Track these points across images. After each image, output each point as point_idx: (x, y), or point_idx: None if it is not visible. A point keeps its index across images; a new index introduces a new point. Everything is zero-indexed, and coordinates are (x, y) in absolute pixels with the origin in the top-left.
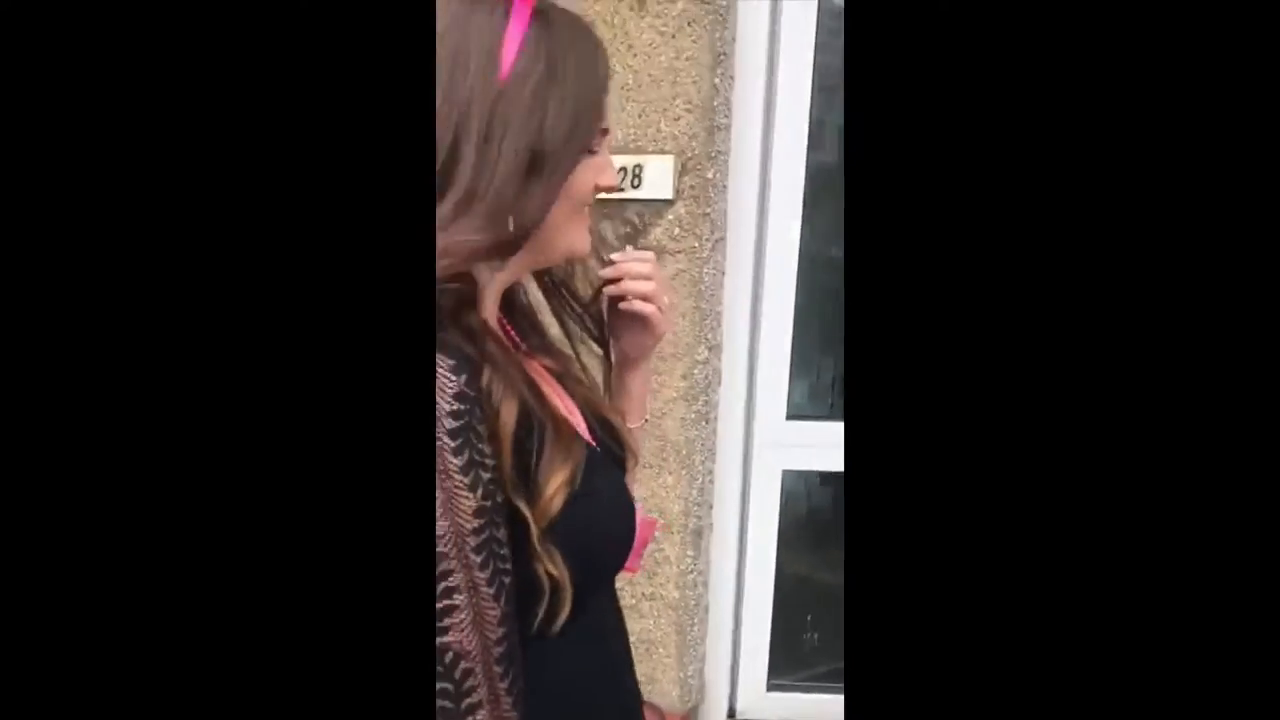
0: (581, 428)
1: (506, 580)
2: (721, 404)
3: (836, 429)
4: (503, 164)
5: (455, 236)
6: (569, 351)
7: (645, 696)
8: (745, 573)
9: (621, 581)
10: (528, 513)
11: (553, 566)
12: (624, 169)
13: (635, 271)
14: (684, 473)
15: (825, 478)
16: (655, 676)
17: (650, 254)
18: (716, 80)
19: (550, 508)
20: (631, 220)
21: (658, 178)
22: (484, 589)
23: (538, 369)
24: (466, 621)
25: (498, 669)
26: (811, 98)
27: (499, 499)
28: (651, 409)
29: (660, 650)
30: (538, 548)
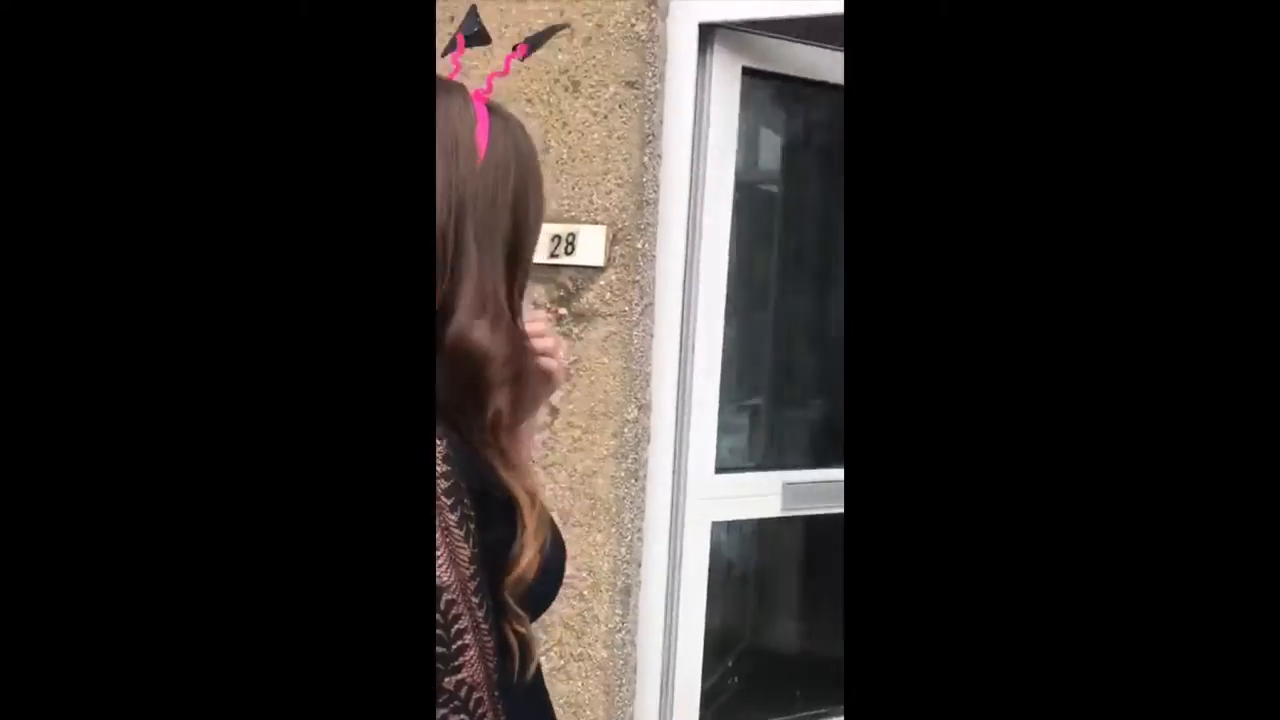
0: None
1: (491, 640)
2: (651, 461)
3: (761, 479)
4: (496, 264)
5: (480, 334)
6: None
7: None
8: (676, 629)
9: (547, 643)
10: (506, 595)
11: (521, 626)
12: (558, 236)
13: (534, 331)
14: (613, 530)
15: (751, 525)
16: None
17: (542, 313)
18: (645, 158)
19: (527, 577)
20: (565, 284)
21: (590, 246)
22: (483, 627)
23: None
24: (475, 659)
25: (497, 698)
26: (735, 174)
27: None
28: (582, 468)
29: (588, 712)
30: (514, 611)
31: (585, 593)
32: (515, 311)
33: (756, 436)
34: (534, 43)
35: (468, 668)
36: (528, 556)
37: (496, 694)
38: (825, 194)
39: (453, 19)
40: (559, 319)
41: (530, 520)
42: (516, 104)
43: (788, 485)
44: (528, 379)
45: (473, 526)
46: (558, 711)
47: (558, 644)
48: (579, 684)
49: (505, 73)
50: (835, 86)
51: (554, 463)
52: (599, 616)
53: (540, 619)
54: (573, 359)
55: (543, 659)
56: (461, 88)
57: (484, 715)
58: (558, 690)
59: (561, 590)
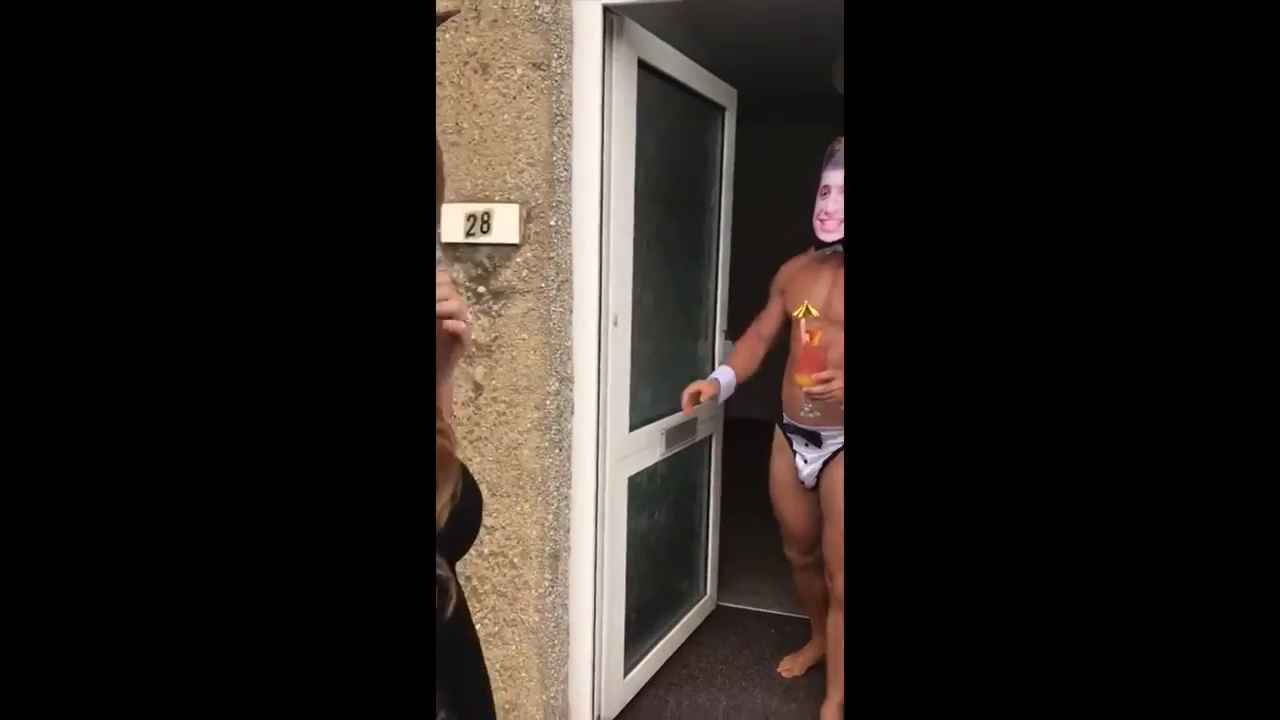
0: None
1: None
2: (575, 430)
3: (655, 428)
4: None
5: None
6: None
7: None
8: (603, 587)
9: (481, 611)
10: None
11: (441, 569)
12: (473, 216)
13: (439, 295)
14: (540, 499)
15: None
16: (519, 701)
17: (446, 278)
18: (554, 138)
19: (439, 521)
20: (482, 263)
21: (505, 225)
22: None
23: None
24: None
25: None
26: (637, 152)
27: None
28: (507, 440)
29: (523, 674)
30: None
31: (515, 560)
32: None
33: (644, 393)
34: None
35: None
36: (439, 503)
37: None
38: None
39: None
40: (478, 297)
41: (440, 474)
42: None
43: (669, 430)
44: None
45: None
46: (493, 676)
47: (491, 611)
48: (513, 648)
49: None
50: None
51: (480, 437)
52: (529, 582)
53: (474, 587)
54: (493, 336)
55: (478, 625)
56: None
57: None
58: (493, 655)
59: (493, 559)
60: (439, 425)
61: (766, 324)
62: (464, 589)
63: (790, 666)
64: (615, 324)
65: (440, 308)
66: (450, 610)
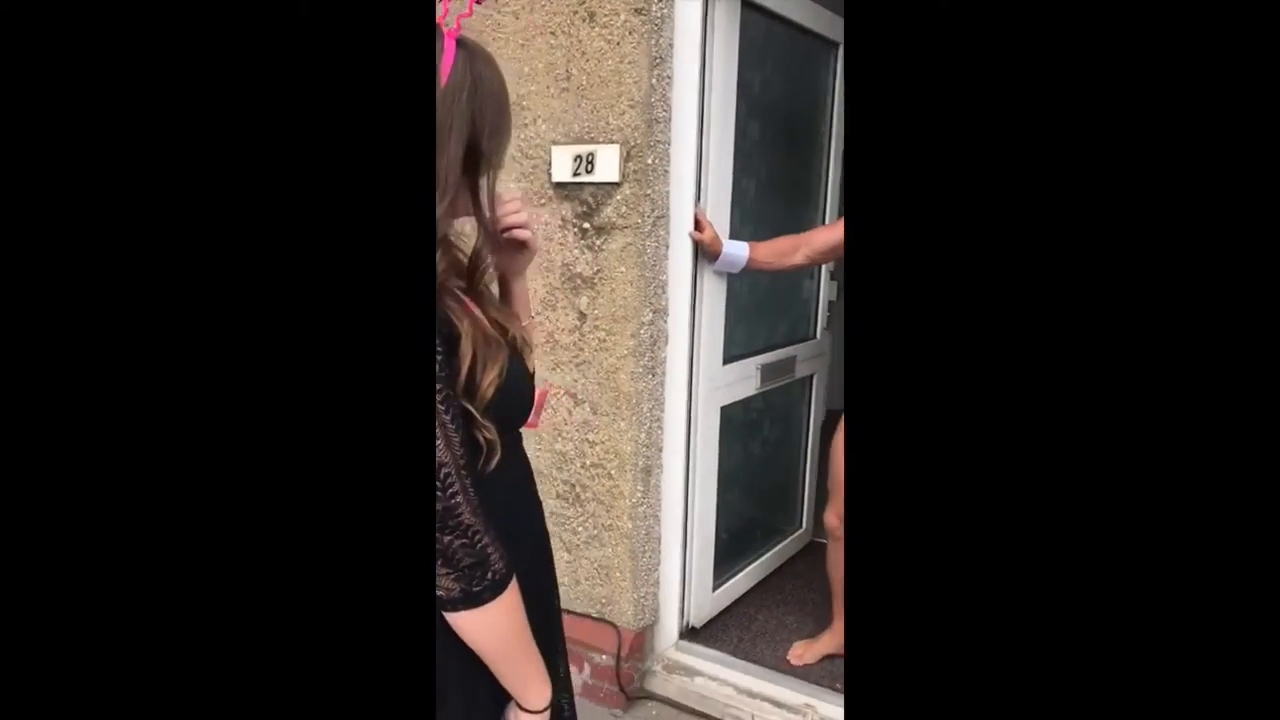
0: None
1: (458, 437)
2: (669, 358)
3: (751, 363)
4: (450, 157)
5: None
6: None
7: (604, 615)
8: (693, 502)
9: (583, 516)
10: (470, 406)
11: (489, 433)
12: (579, 156)
13: (509, 209)
14: (634, 418)
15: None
16: (613, 598)
17: (515, 192)
18: (654, 80)
19: (487, 395)
20: (586, 200)
21: (606, 164)
22: (453, 437)
23: (453, 290)
24: (445, 450)
25: (465, 475)
26: (738, 94)
27: (452, 398)
28: (606, 364)
29: (616, 575)
30: (480, 420)
31: (612, 472)
32: (475, 193)
33: (740, 329)
34: None
35: (440, 453)
36: (488, 380)
37: (465, 476)
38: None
39: None
40: (583, 233)
41: (489, 354)
42: (542, 36)
43: (764, 366)
44: (490, 242)
45: (461, 421)
46: (592, 574)
47: (591, 516)
48: (609, 550)
49: (469, 14)
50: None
51: (584, 360)
52: (624, 492)
53: (577, 494)
54: (596, 269)
55: (579, 528)
56: (437, 28)
57: (455, 493)
58: (591, 555)
59: (593, 470)
60: (521, 322)
61: (823, 237)
62: (569, 495)
63: (801, 654)
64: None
65: (510, 219)
66: (494, 463)
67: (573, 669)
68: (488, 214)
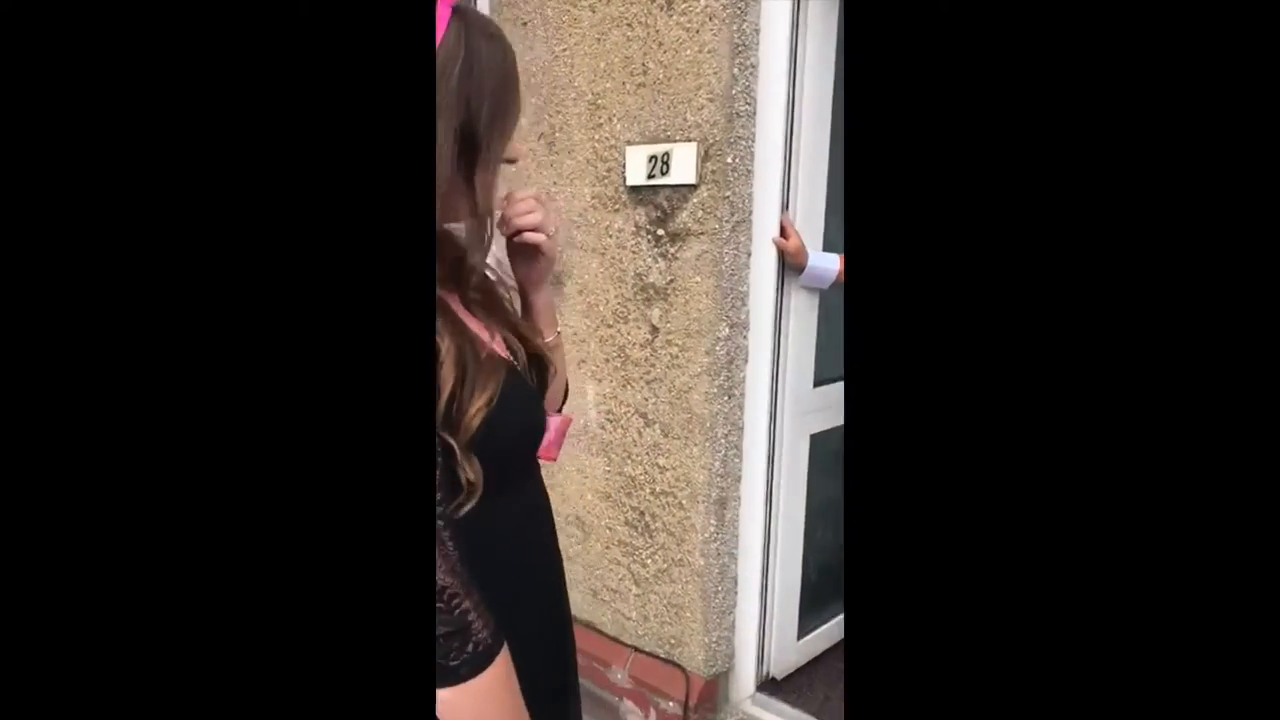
0: (500, 347)
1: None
2: (749, 378)
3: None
4: (442, 153)
5: None
6: (482, 281)
7: (672, 656)
8: (775, 541)
9: (652, 548)
10: (450, 440)
11: (470, 472)
12: (654, 157)
13: (520, 210)
14: (707, 444)
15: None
16: (683, 639)
17: (533, 191)
18: (735, 70)
19: (472, 426)
20: (661, 205)
21: (683, 164)
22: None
23: (458, 302)
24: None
25: (441, 527)
26: (835, 86)
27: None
28: (679, 383)
29: (687, 614)
30: (460, 458)
31: (684, 502)
32: (471, 189)
33: (834, 347)
34: None
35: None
36: (475, 407)
37: (444, 528)
38: None
39: None
40: (657, 240)
41: (477, 376)
42: (618, 29)
43: None
44: (480, 246)
45: (440, 458)
46: (661, 611)
47: (660, 549)
48: (679, 587)
49: None
50: None
51: (655, 378)
52: (695, 525)
53: (646, 523)
54: (669, 279)
55: (649, 561)
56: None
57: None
58: (661, 591)
59: (664, 498)
60: (549, 340)
61: None
62: (638, 523)
63: None
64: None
65: (523, 220)
66: (469, 506)
67: (637, 712)
68: (485, 215)
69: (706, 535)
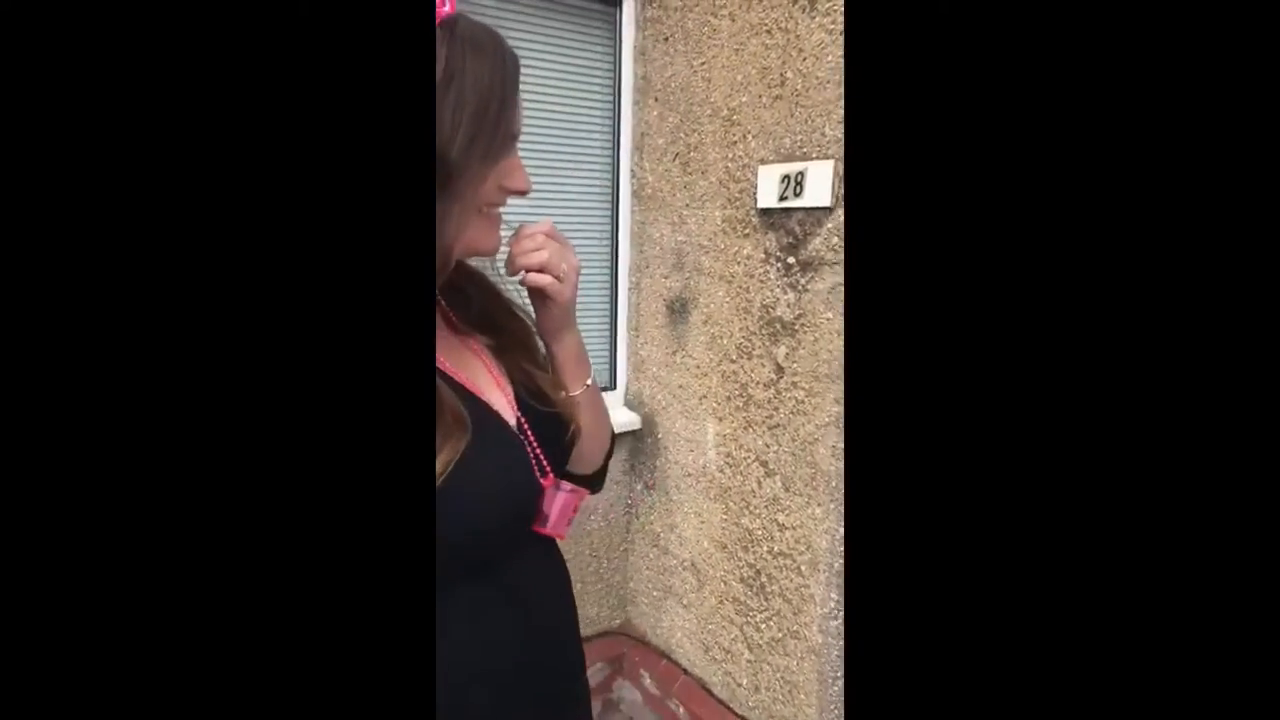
0: (503, 400)
1: None
2: None
3: None
4: None
5: None
6: (509, 323)
7: None
8: None
9: (767, 612)
10: None
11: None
12: (787, 177)
13: (525, 248)
14: (834, 505)
15: None
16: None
17: (543, 223)
18: None
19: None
20: (793, 230)
21: (818, 185)
22: None
23: (472, 346)
24: None
25: None
26: None
27: None
28: (804, 432)
29: (801, 695)
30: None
31: (803, 568)
32: (443, 224)
33: None
34: None
35: None
36: (441, 459)
37: None
38: None
39: None
40: (787, 269)
41: (440, 430)
42: (757, 36)
43: None
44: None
45: None
46: (774, 684)
47: (776, 615)
48: (794, 662)
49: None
50: None
51: (778, 424)
52: (814, 597)
53: (762, 584)
54: (797, 313)
55: (764, 626)
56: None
57: None
58: (775, 663)
59: (781, 559)
60: (574, 394)
61: None
62: (753, 582)
63: None
64: None
65: (527, 259)
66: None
67: None
68: (445, 250)
69: (826, 610)
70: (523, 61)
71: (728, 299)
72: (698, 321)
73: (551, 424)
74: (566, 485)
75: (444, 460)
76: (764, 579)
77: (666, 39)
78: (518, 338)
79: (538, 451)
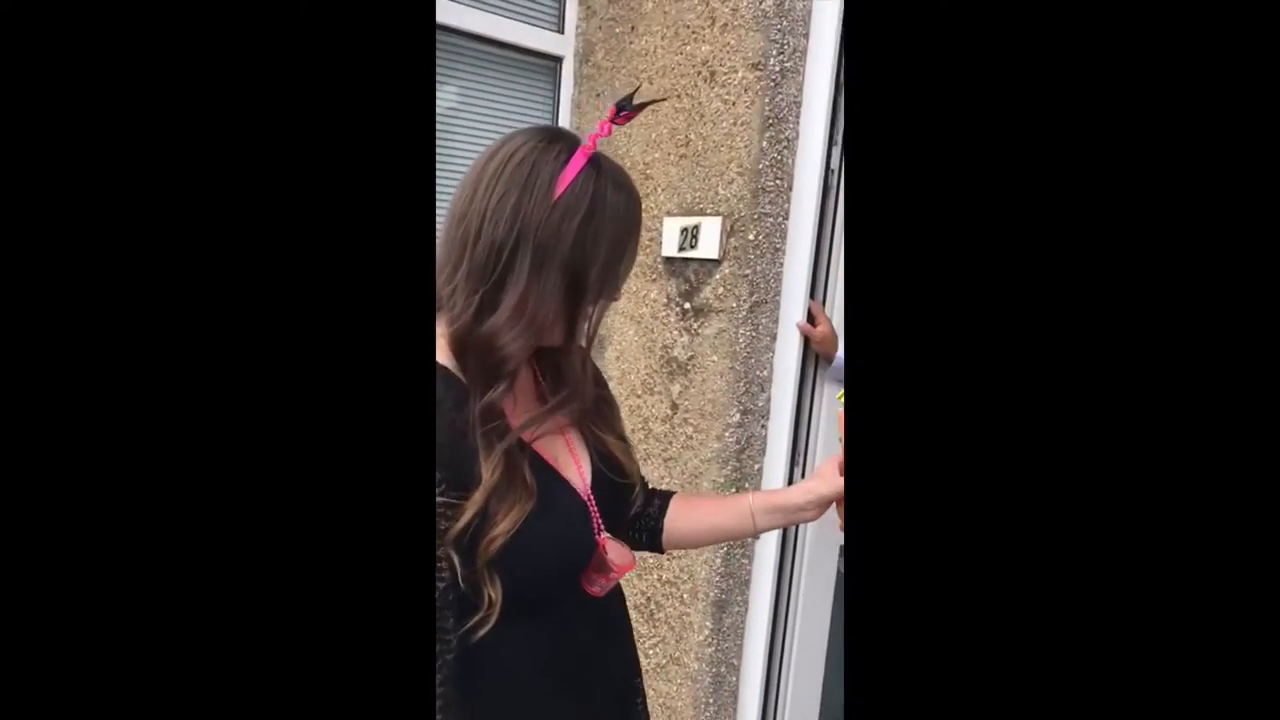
0: (577, 471)
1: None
2: (766, 471)
3: None
4: (549, 286)
5: (508, 338)
6: (595, 394)
7: None
8: (785, 660)
9: (655, 638)
10: (456, 559)
11: (493, 590)
12: (685, 229)
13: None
14: None
15: None
16: None
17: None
18: (764, 143)
19: (490, 549)
20: (689, 278)
21: (709, 238)
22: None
23: (558, 419)
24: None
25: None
26: None
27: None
28: (690, 465)
29: None
30: (483, 573)
31: (685, 596)
32: (574, 327)
33: None
34: (624, 107)
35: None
36: (496, 530)
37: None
38: None
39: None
40: (683, 314)
41: (506, 503)
42: (670, 102)
43: None
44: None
45: (442, 524)
46: (654, 710)
47: (661, 641)
48: (674, 688)
49: (604, 134)
50: None
51: (672, 456)
52: (693, 624)
53: (652, 611)
54: (690, 355)
55: (651, 651)
56: (570, 136)
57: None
58: (658, 688)
59: (668, 587)
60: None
61: None
62: (644, 608)
63: None
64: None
65: None
66: (480, 634)
67: None
68: (583, 348)
69: (703, 638)
70: (468, 110)
71: (636, 338)
72: (611, 358)
73: (618, 491)
74: (617, 547)
75: (511, 521)
76: (653, 606)
77: (599, 95)
78: (600, 410)
79: (595, 515)
